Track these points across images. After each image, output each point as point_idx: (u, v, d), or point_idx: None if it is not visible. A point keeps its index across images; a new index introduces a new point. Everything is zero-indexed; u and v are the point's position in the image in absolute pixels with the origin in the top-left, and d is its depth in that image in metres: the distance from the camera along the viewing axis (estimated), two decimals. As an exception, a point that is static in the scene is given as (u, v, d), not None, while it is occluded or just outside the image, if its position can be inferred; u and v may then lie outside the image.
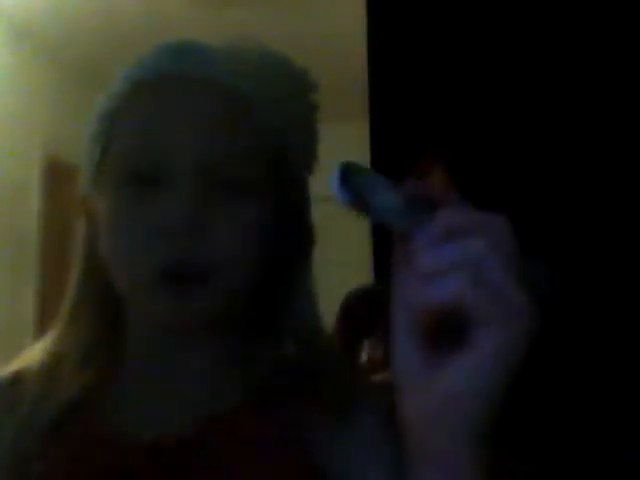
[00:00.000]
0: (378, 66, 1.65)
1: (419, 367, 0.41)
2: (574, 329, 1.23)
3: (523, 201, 1.30)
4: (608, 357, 1.43)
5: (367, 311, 1.27)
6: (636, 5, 1.54)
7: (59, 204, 3.54)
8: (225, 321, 0.59)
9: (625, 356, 1.46)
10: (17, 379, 0.60)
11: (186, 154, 0.54)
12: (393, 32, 1.65)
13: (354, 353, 1.24)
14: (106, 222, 0.55)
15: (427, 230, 0.39)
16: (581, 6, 1.57)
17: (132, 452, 0.56)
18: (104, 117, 0.57)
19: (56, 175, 3.50)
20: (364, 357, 1.21)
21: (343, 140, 4.09)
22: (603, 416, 1.32)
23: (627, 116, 1.54)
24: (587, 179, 1.54)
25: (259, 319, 0.64)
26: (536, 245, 1.43)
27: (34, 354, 0.62)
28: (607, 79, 1.55)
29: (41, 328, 3.18)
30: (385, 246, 1.64)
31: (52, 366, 0.60)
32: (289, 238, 0.65)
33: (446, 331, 0.39)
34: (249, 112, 0.59)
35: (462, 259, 0.38)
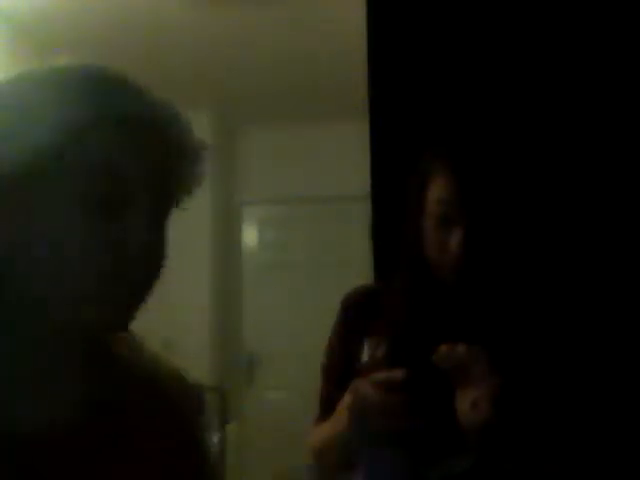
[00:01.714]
0: (378, 66, 1.65)
1: None
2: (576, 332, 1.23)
3: (527, 199, 1.30)
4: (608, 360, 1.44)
5: (367, 311, 1.27)
6: (636, 5, 1.54)
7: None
8: None
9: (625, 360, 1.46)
10: None
11: (145, 191, 0.64)
12: (393, 32, 1.65)
13: (355, 353, 1.23)
14: (54, 224, 0.61)
15: None
16: (581, 6, 1.57)
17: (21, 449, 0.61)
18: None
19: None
20: (365, 357, 1.21)
21: (343, 140, 4.10)
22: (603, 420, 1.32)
23: (629, 114, 1.54)
24: (592, 179, 1.54)
25: None
26: (541, 245, 1.42)
27: None
28: (608, 76, 1.55)
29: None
30: (385, 246, 1.63)
31: None
32: None
33: None
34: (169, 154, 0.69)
35: None
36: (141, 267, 0.64)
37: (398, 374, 1.07)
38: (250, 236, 4.71)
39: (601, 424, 1.31)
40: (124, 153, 0.62)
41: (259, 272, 4.60)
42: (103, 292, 0.62)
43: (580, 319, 1.32)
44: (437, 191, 1.14)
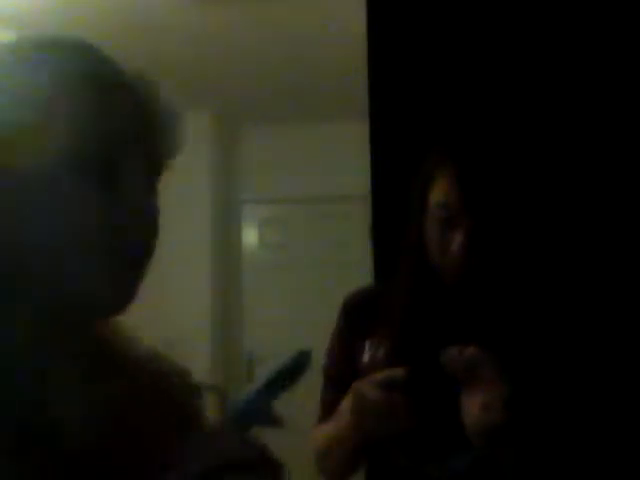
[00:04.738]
0: (378, 66, 1.65)
1: None
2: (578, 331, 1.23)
3: (529, 201, 1.30)
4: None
5: (368, 313, 1.27)
6: (636, 5, 1.54)
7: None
8: None
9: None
10: None
11: (137, 151, 0.62)
12: (393, 32, 1.64)
13: (356, 355, 1.23)
14: (52, 207, 0.58)
15: None
16: (581, 5, 1.56)
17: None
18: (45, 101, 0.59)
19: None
20: (366, 357, 1.21)
21: (343, 140, 4.09)
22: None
23: (630, 114, 1.54)
24: (593, 182, 1.54)
25: None
26: (543, 246, 1.42)
27: None
28: (609, 74, 1.55)
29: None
30: (385, 246, 1.63)
31: None
32: None
33: None
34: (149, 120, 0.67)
35: None
36: (139, 238, 0.61)
37: (397, 373, 1.07)
38: (250, 236, 4.71)
39: (605, 424, 1.31)
40: (104, 115, 0.60)
41: (259, 272, 4.59)
42: (104, 267, 0.59)
43: (583, 320, 1.32)
44: (439, 194, 1.14)
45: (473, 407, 1.05)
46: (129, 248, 0.60)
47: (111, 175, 0.60)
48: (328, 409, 1.25)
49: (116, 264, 0.60)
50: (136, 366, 0.71)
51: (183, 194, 4.03)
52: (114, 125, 0.61)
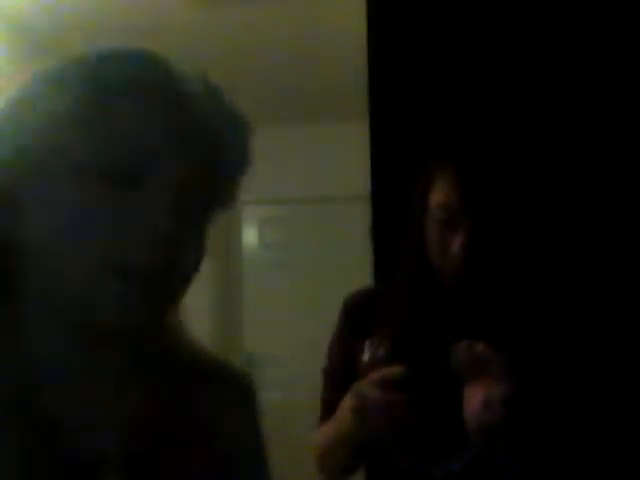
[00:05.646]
0: (378, 66, 1.65)
1: None
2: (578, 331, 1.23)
3: (529, 202, 1.30)
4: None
5: (369, 313, 1.27)
6: (636, 5, 1.54)
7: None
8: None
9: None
10: None
11: (171, 166, 0.58)
12: (393, 32, 1.64)
13: (356, 355, 1.24)
14: (60, 212, 0.55)
15: None
16: (581, 6, 1.57)
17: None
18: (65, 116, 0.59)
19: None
20: (366, 357, 1.21)
21: (343, 140, 4.09)
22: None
23: (631, 115, 1.54)
24: (595, 182, 1.54)
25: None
26: (543, 247, 1.42)
27: None
28: (609, 74, 1.55)
29: None
30: (385, 246, 1.64)
31: None
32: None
33: None
34: (207, 132, 0.63)
35: None
36: (157, 258, 0.56)
37: (395, 371, 1.07)
38: (250, 236, 4.71)
39: (607, 423, 1.31)
40: (147, 120, 0.58)
41: (259, 272, 4.59)
42: (104, 278, 0.55)
43: (584, 319, 1.32)
44: (440, 195, 1.15)
45: (474, 403, 1.05)
46: (132, 263, 0.55)
47: (131, 185, 0.56)
48: (328, 409, 1.25)
49: (118, 278, 0.55)
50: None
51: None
52: (158, 135, 0.58)
